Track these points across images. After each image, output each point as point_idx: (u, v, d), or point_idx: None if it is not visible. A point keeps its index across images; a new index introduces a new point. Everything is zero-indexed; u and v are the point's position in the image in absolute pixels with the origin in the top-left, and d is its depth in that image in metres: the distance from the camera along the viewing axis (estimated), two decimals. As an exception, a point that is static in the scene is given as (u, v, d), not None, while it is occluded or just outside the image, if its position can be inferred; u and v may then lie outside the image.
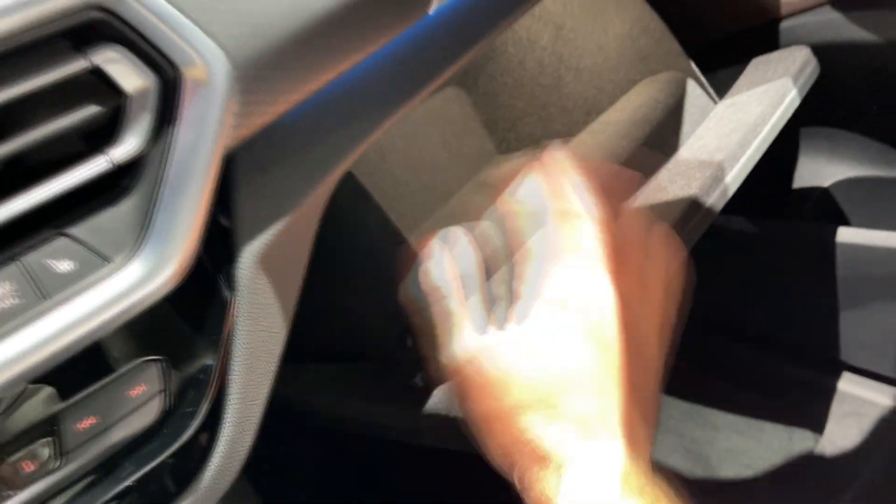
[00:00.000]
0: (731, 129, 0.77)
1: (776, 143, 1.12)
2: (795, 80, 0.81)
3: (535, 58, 0.76)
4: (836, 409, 1.14)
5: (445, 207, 0.69)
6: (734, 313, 1.23)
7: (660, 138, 0.79)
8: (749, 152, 0.74)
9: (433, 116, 0.69)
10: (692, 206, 0.71)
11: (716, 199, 0.73)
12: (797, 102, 0.81)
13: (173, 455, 0.40)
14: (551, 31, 0.77)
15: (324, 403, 0.70)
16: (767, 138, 0.77)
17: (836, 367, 1.13)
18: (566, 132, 0.76)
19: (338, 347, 0.69)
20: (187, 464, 0.42)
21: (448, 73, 0.49)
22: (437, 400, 0.58)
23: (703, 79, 0.88)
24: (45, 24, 0.33)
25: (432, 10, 0.47)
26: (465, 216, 0.55)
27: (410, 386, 0.61)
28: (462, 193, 0.72)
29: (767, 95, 0.81)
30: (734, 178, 0.74)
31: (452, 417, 0.56)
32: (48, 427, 0.36)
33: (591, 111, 0.79)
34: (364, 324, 0.66)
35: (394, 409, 0.62)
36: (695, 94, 0.86)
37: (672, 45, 0.87)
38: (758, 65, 0.90)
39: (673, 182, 0.74)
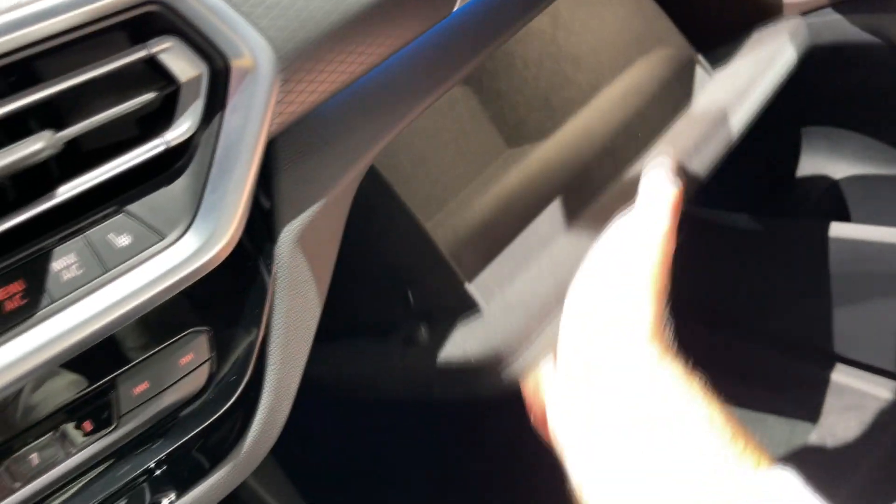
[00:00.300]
0: (726, 92, 0.79)
1: (779, 142, 1.15)
2: (792, 40, 0.82)
3: (535, 50, 0.78)
4: (837, 403, 1.16)
5: (456, 199, 0.72)
6: (737, 309, 1.25)
7: (656, 109, 0.81)
8: (746, 106, 0.76)
9: (440, 115, 0.72)
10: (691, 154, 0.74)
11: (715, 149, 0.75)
12: (793, 60, 0.83)
13: (217, 421, 0.43)
14: (549, 21, 0.79)
15: (326, 371, 0.71)
16: (762, 94, 0.79)
17: (838, 361, 1.16)
18: (572, 122, 0.78)
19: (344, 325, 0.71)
20: (229, 430, 0.45)
21: (470, 67, 0.52)
22: (445, 350, 0.61)
23: (698, 55, 0.89)
24: (110, 16, 0.36)
25: (457, 6, 0.50)
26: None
27: (413, 340, 0.63)
28: (471, 188, 0.74)
29: (761, 59, 0.83)
30: (733, 130, 0.76)
31: (460, 365, 0.58)
32: (105, 391, 0.39)
33: (593, 98, 0.81)
34: (373, 301, 0.69)
35: (398, 365, 0.64)
36: (690, 67, 0.88)
37: (666, 23, 0.88)
38: (751, 39, 0.92)
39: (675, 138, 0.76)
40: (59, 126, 0.36)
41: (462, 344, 0.59)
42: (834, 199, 1.13)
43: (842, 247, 1.06)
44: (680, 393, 0.44)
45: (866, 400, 1.14)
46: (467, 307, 0.60)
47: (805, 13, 0.96)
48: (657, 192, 0.53)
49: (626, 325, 0.47)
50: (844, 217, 1.09)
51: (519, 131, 0.76)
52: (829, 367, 1.17)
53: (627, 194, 0.54)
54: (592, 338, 0.47)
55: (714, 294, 1.26)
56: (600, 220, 0.54)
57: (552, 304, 0.56)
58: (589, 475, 0.44)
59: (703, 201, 1.21)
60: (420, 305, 0.63)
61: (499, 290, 0.61)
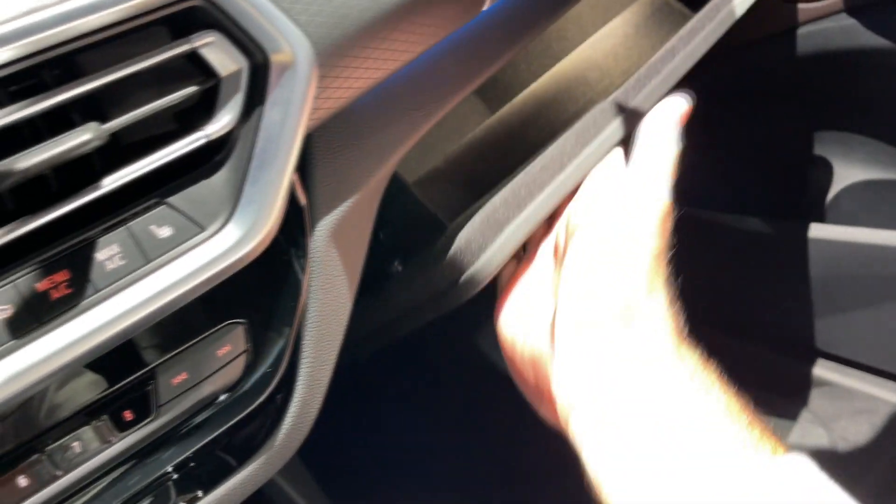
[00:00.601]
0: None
1: (791, 145, 1.15)
2: None
3: None
4: (848, 406, 1.16)
5: (442, 160, 0.72)
6: (747, 312, 1.25)
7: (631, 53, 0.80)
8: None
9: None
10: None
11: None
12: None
13: (251, 414, 0.44)
14: None
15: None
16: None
17: (848, 365, 1.16)
18: (547, 71, 0.78)
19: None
20: (262, 424, 0.45)
21: (500, 64, 0.52)
22: (418, 277, 0.60)
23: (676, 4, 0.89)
24: (154, 10, 0.37)
25: (487, 5, 0.50)
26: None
27: (390, 273, 0.62)
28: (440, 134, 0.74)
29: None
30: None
31: (428, 285, 0.58)
32: (145, 381, 0.39)
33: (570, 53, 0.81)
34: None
35: (377, 300, 0.64)
36: (668, 11, 0.87)
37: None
38: None
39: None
40: (99, 118, 0.37)
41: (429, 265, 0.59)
42: (845, 203, 1.13)
43: (853, 251, 1.06)
44: (695, 375, 0.45)
45: (877, 404, 1.15)
46: (436, 234, 0.61)
47: (819, 18, 0.96)
48: (658, 148, 0.52)
49: (631, 262, 0.48)
50: (856, 221, 1.09)
51: (499, 91, 0.76)
52: (840, 371, 1.17)
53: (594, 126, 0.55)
54: (599, 279, 0.48)
55: (724, 296, 1.26)
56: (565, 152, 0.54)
57: (512, 212, 0.56)
58: (604, 461, 0.44)
59: (714, 204, 1.21)
60: (392, 241, 0.62)
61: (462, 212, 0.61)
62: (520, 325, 0.54)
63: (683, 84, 1.12)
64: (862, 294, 1.09)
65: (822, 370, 1.18)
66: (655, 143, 0.52)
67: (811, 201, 1.16)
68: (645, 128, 0.53)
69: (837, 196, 1.14)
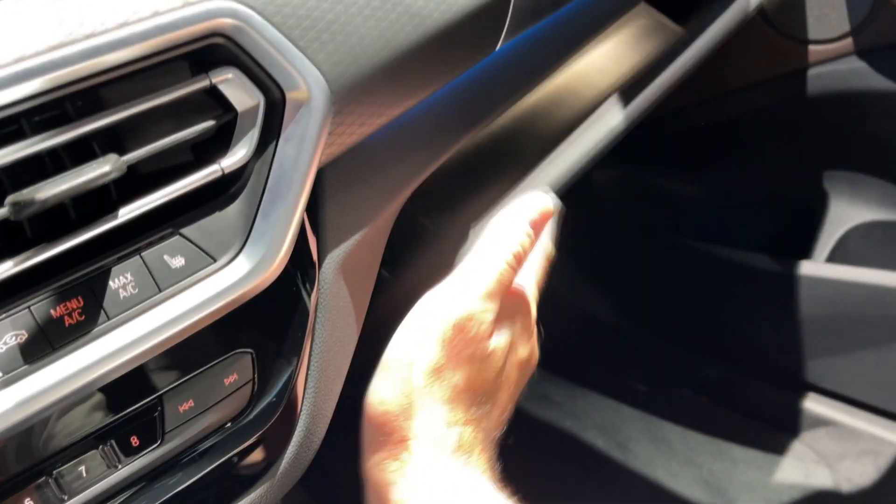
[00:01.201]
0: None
1: (801, 184, 1.16)
2: None
3: None
4: (853, 447, 1.16)
5: None
6: (755, 349, 1.25)
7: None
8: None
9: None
10: None
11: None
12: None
13: (256, 442, 0.44)
14: None
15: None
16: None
17: (855, 405, 1.16)
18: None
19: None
20: (266, 452, 0.45)
21: (511, 103, 0.53)
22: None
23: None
24: (177, 47, 0.38)
25: (500, 46, 0.51)
26: None
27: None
28: None
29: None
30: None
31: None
32: (153, 407, 0.40)
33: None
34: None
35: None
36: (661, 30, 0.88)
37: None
38: None
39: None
40: (118, 148, 0.38)
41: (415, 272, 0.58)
42: (853, 243, 1.14)
43: (861, 291, 1.07)
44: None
45: (882, 445, 1.14)
46: (422, 240, 0.60)
47: (830, 59, 0.97)
48: (488, 252, 0.45)
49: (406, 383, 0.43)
50: (863, 261, 1.09)
51: None
52: (846, 411, 1.17)
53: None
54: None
55: (729, 331, 1.27)
56: None
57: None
58: None
59: (722, 239, 1.22)
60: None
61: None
62: None
63: (699, 118, 1.13)
64: (869, 334, 1.10)
65: (828, 409, 1.18)
66: (489, 245, 0.46)
67: (819, 240, 1.16)
68: (491, 225, 0.47)
69: (845, 236, 1.14)
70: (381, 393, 0.43)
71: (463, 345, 0.43)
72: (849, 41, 0.95)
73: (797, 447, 1.19)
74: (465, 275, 0.45)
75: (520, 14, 0.51)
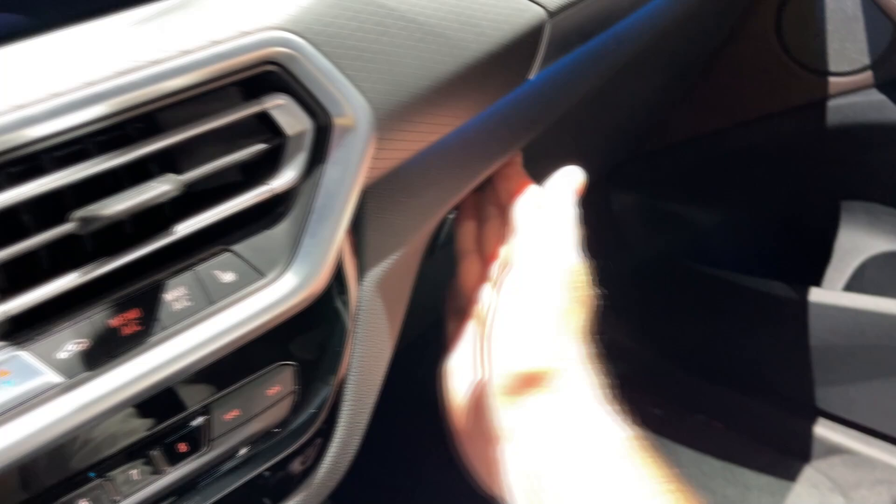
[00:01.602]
0: None
1: (819, 213, 1.17)
2: None
3: None
4: (868, 476, 1.16)
5: None
6: (770, 375, 1.26)
7: None
8: None
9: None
10: None
11: None
12: None
13: (295, 451, 0.46)
14: None
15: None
16: None
17: (870, 434, 1.16)
18: None
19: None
20: (304, 462, 0.47)
21: (541, 129, 0.55)
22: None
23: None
24: (232, 74, 0.40)
25: (532, 76, 0.53)
26: None
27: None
28: None
29: None
30: None
31: None
32: (200, 415, 0.42)
33: None
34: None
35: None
36: None
37: None
38: None
39: None
40: (173, 168, 0.40)
41: None
42: (871, 273, 1.15)
43: (878, 320, 1.07)
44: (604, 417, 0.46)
45: (897, 475, 1.15)
46: None
47: (850, 91, 0.99)
48: (562, 186, 0.54)
49: (543, 325, 0.48)
50: (881, 291, 1.10)
51: None
52: (861, 440, 1.17)
53: None
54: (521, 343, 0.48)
55: (745, 358, 1.27)
56: None
57: None
58: None
59: (739, 266, 1.23)
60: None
61: None
62: (458, 385, 0.54)
63: (719, 146, 1.15)
64: (885, 363, 1.10)
65: (843, 437, 1.18)
66: (561, 206, 0.53)
67: (836, 269, 1.17)
68: (550, 191, 0.54)
69: (862, 265, 1.15)
70: (526, 344, 0.48)
71: (577, 289, 0.49)
72: (868, 74, 0.97)
73: (811, 474, 1.20)
74: (561, 234, 0.51)
75: (551, 47, 0.53)
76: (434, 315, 0.61)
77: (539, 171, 0.55)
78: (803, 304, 1.14)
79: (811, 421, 1.21)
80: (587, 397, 0.46)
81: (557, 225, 0.52)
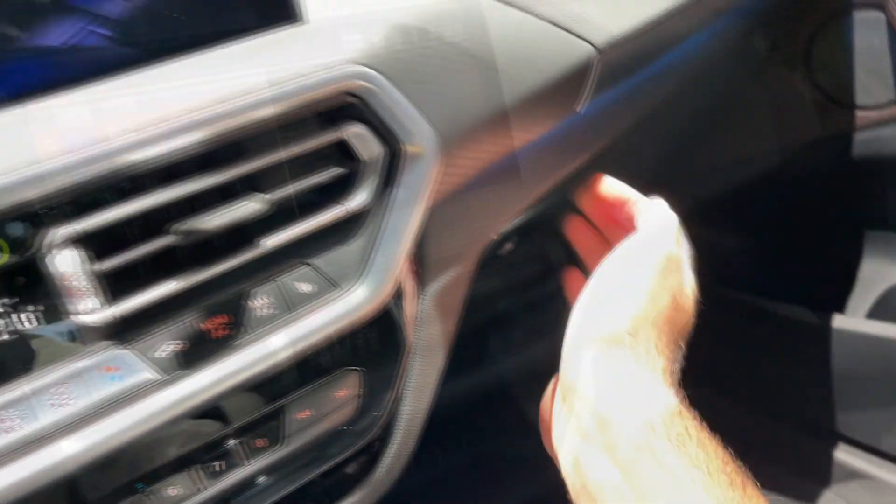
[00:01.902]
0: None
1: (843, 242, 1.19)
2: None
3: None
4: (888, 501, 1.17)
5: None
6: (791, 398, 1.27)
7: None
8: None
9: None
10: None
11: None
12: None
13: (359, 450, 0.50)
14: None
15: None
16: None
17: (891, 461, 1.17)
18: None
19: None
20: (367, 459, 0.51)
21: (589, 156, 0.59)
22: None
23: None
24: (316, 103, 0.44)
25: (581, 109, 0.57)
26: None
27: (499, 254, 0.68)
28: None
29: None
30: None
31: None
32: (277, 413, 0.46)
33: None
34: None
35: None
36: None
37: None
38: None
39: None
40: (257, 188, 0.44)
41: None
42: (893, 301, 1.17)
43: (897, 348, 1.09)
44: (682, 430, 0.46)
45: (916, 501, 1.16)
46: None
47: (876, 125, 1.02)
48: (663, 218, 0.56)
49: (628, 300, 0.49)
50: (901, 319, 1.12)
51: None
52: (882, 466, 1.18)
53: None
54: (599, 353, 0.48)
55: (766, 381, 1.29)
56: None
57: None
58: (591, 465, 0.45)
59: (763, 291, 1.25)
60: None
61: None
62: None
63: (746, 174, 1.18)
64: (905, 391, 1.12)
65: (864, 463, 1.20)
66: (664, 206, 0.57)
67: (859, 297, 1.20)
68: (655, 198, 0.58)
69: (886, 294, 1.17)
70: (605, 310, 0.49)
71: (670, 277, 0.52)
72: (893, 109, 1.00)
73: (831, 498, 1.21)
74: (665, 225, 0.55)
75: (600, 80, 0.57)
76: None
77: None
78: (827, 329, 1.16)
79: (832, 445, 1.23)
80: (646, 369, 0.48)
81: (663, 217, 0.56)
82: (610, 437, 0.45)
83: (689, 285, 0.55)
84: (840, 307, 1.20)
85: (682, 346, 0.54)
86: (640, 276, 0.51)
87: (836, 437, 1.21)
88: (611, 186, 0.60)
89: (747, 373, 1.31)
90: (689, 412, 0.48)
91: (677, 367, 0.51)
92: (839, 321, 1.15)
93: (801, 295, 1.23)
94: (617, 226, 0.60)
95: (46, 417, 0.39)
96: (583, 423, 0.46)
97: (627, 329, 0.48)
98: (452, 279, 0.53)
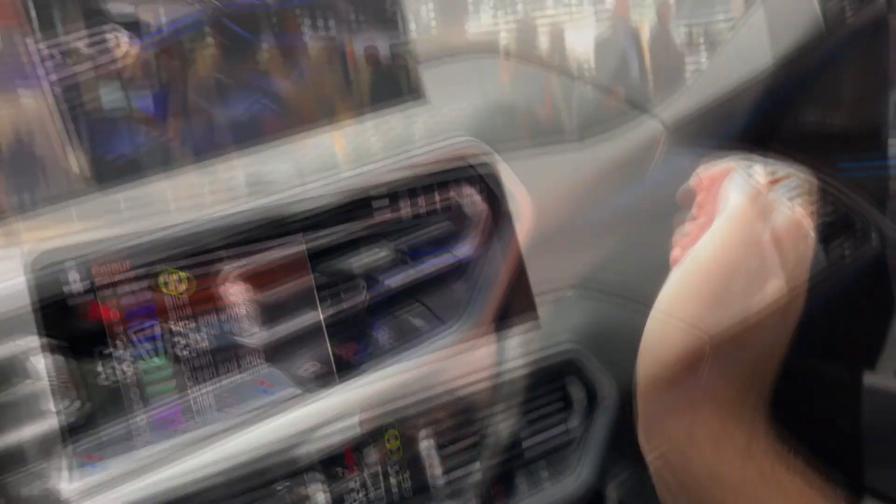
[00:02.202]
0: None
1: (870, 297, 1.24)
2: None
3: None
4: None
5: None
6: (818, 451, 1.31)
7: None
8: None
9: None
10: None
11: None
12: None
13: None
14: None
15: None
16: None
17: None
18: None
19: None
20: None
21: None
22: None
23: None
24: (438, 172, 0.53)
25: (650, 174, 0.66)
26: None
27: None
28: None
29: None
30: None
31: None
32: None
33: None
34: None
35: None
36: None
37: None
38: None
39: None
40: (382, 236, 0.53)
41: None
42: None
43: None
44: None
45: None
46: None
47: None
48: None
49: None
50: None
51: None
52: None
53: None
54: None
55: (798, 434, 1.33)
56: None
57: None
58: None
59: (796, 347, 1.30)
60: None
61: None
62: None
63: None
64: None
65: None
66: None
67: (889, 356, 1.24)
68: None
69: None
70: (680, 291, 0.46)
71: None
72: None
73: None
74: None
75: (667, 153, 0.65)
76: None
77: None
78: (856, 384, 1.21)
79: (859, 499, 1.26)
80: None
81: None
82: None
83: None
84: (870, 364, 1.25)
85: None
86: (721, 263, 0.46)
87: (863, 490, 1.25)
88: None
89: (774, 423, 1.35)
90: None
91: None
92: (868, 377, 1.19)
93: (831, 350, 1.28)
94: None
95: (214, 419, 0.47)
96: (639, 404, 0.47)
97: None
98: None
